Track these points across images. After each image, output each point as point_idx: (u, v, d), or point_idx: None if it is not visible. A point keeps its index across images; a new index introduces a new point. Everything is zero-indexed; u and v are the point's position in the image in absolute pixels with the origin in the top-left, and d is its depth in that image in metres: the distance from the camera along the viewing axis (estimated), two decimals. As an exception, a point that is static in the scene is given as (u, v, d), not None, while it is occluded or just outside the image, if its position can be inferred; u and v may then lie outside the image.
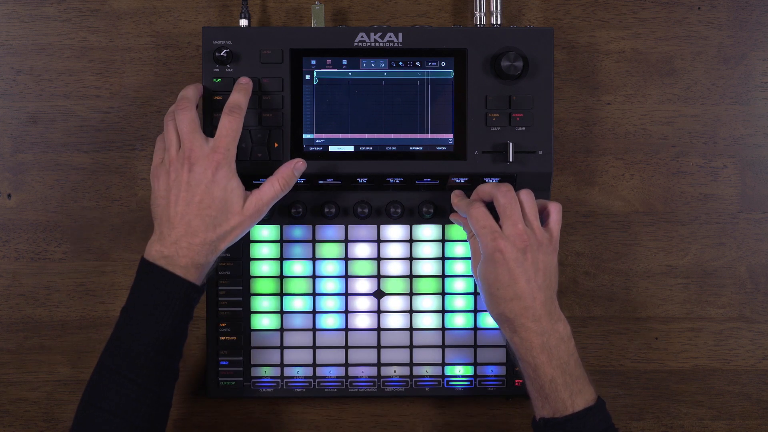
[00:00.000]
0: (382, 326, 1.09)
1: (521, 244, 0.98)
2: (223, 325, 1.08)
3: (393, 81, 1.06)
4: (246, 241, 1.08)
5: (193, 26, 1.12)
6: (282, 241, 1.08)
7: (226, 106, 1.00)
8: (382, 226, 1.09)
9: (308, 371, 1.09)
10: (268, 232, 1.08)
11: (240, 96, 1.01)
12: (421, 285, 1.09)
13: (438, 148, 1.06)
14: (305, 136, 1.06)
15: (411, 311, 1.09)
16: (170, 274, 0.94)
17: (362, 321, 1.09)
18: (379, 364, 1.09)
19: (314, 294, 1.09)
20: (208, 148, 0.97)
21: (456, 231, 1.09)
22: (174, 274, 0.94)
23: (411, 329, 1.09)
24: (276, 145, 1.05)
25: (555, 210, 1.02)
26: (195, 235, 0.95)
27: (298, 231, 1.09)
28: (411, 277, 1.09)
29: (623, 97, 1.13)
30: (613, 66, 1.13)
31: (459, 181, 1.07)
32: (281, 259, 1.09)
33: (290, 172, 1.01)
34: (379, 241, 1.09)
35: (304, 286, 1.09)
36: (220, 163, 0.96)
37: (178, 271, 0.94)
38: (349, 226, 1.09)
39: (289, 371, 1.09)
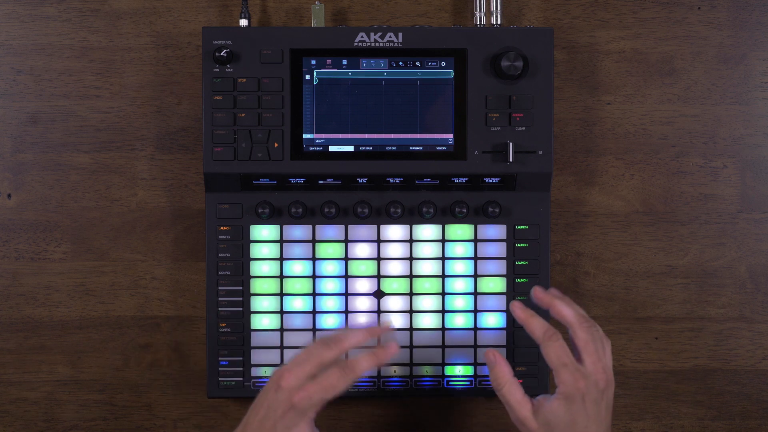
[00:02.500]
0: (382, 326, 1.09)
1: (603, 384, 0.94)
2: (223, 325, 1.08)
3: (393, 81, 1.06)
4: (246, 241, 1.08)
5: (193, 26, 1.12)
6: (282, 241, 1.08)
7: (348, 361, 0.94)
8: (382, 226, 1.09)
9: (308, 371, 1.08)
10: (268, 232, 1.08)
11: (366, 362, 0.95)
12: (421, 285, 1.09)
13: (438, 148, 1.06)
14: (305, 136, 1.06)
15: (411, 311, 1.09)
16: None
17: (362, 321, 1.09)
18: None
19: (314, 294, 1.09)
20: (299, 385, 0.93)
21: (456, 231, 1.09)
22: None
23: (411, 329, 1.09)
24: (276, 145, 1.05)
25: (608, 345, 0.98)
26: None
27: (298, 231, 1.09)
28: (411, 277, 1.09)
29: (623, 97, 1.13)
30: (613, 66, 1.13)
31: (459, 181, 1.07)
32: (281, 259, 1.09)
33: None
34: (379, 241, 1.09)
35: (304, 286, 1.09)
36: (295, 406, 0.92)
37: None
38: (349, 226, 1.09)
39: (289, 371, 1.09)
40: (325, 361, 0.94)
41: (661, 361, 1.14)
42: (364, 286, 1.09)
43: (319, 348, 0.94)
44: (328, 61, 1.05)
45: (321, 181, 1.07)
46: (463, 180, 1.07)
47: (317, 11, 1.08)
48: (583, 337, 0.95)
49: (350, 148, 1.06)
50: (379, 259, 1.09)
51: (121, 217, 1.12)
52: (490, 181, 1.07)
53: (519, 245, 1.08)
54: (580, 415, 0.93)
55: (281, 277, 1.09)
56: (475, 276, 1.09)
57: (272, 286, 1.09)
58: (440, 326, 1.09)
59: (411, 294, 1.09)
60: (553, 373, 0.95)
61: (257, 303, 1.08)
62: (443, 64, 1.06)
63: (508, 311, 1.08)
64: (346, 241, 1.09)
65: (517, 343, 1.09)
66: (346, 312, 1.09)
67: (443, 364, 1.09)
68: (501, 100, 1.06)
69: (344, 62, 1.05)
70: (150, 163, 1.12)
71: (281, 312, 1.09)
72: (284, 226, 1.08)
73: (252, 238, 1.08)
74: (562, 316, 0.97)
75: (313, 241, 1.09)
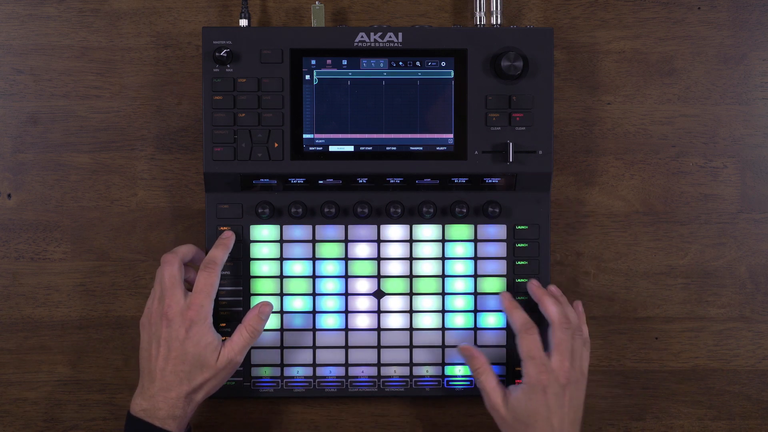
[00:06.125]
0: (382, 326, 1.09)
1: (564, 380, 1.00)
2: (223, 325, 1.08)
3: (393, 81, 1.06)
4: (246, 241, 1.08)
5: (193, 26, 1.12)
6: (282, 241, 1.08)
7: (204, 260, 1.02)
8: (382, 226, 1.09)
9: (308, 371, 1.09)
10: (268, 232, 1.08)
11: (218, 251, 1.03)
12: (421, 285, 1.09)
13: (438, 148, 1.06)
14: (305, 136, 1.06)
15: (411, 311, 1.09)
16: (149, 425, 0.97)
17: (362, 321, 1.09)
18: (379, 364, 1.09)
19: (314, 294, 1.09)
20: (185, 304, 0.99)
21: (456, 231, 1.09)
22: (153, 425, 0.97)
23: (411, 329, 1.09)
24: (276, 145, 1.05)
25: (587, 351, 1.04)
26: (170, 389, 0.98)
27: (298, 231, 1.09)
28: (411, 277, 1.09)
29: (623, 97, 1.13)
30: (613, 66, 1.13)
31: (459, 181, 1.07)
32: (281, 259, 1.09)
33: (256, 316, 1.02)
34: (379, 241, 1.09)
35: (304, 286, 1.09)
36: (194, 320, 0.99)
37: (157, 423, 0.97)
38: (349, 226, 1.09)
39: (289, 371, 1.09)
40: (176, 275, 1.00)
41: (661, 361, 1.14)
42: (364, 286, 1.09)
43: (163, 270, 1.01)
44: (328, 61, 1.05)
45: (321, 181, 1.07)
46: (463, 180, 1.07)
47: (317, 11, 1.08)
48: (559, 337, 1.02)
49: (350, 148, 1.06)
50: (379, 259, 1.09)
51: (121, 217, 1.12)
52: (490, 181, 1.07)
53: (519, 245, 1.08)
54: (542, 406, 0.99)
55: (281, 277, 1.09)
56: (475, 276, 1.09)
57: (272, 286, 1.09)
58: (440, 326, 1.09)
59: (411, 294, 1.09)
60: (521, 364, 1.01)
61: (257, 303, 1.08)
62: (443, 64, 1.06)
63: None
64: (346, 241, 1.09)
65: (517, 343, 1.09)
66: (346, 312, 1.09)
67: (443, 364, 1.09)
68: (501, 100, 1.06)
69: (344, 62, 1.05)
70: (150, 163, 1.12)
71: (281, 312, 1.09)
72: (284, 226, 1.08)
73: (252, 238, 1.08)
74: (547, 313, 1.04)
75: (313, 241, 1.09)
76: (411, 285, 1.09)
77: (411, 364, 1.09)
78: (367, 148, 1.06)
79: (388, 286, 1.09)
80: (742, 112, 1.13)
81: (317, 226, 1.09)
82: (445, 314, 1.09)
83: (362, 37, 1.05)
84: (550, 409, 0.99)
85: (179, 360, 0.99)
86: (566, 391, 1.00)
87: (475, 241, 1.09)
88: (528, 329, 1.02)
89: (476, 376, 1.04)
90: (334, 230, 1.09)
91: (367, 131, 1.06)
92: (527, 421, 0.99)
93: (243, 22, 1.07)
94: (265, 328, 1.08)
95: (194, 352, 0.99)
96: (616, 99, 1.13)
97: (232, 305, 1.08)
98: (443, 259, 1.09)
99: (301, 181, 1.06)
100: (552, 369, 1.00)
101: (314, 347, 1.09)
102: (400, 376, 1.09)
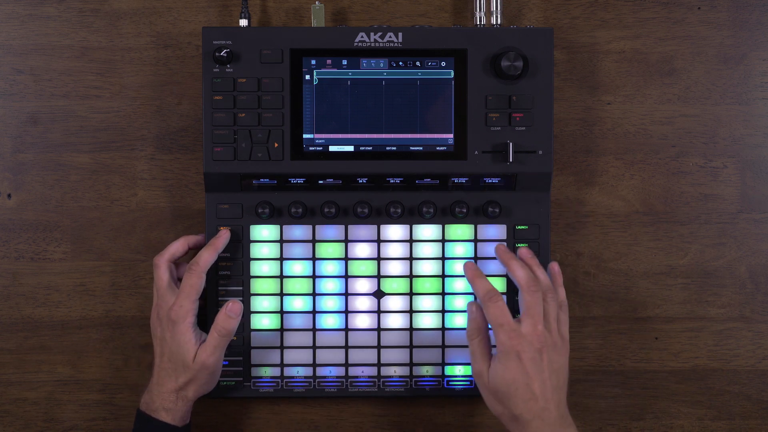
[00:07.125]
0: (382, 326, 1.09)
1: (538, 344, 0.98)
2: (223, 325, 1.08)
3: (393, 81, 1.06)
4: (246, 241, 1.08)
5: (193, 26, 1.12)
6: (282, 241, 1.08)
7: (189, 262, 1.04)
8: (382, 226, 1.09)
9: (308, 371, 1.09)
10: (268, 232, 1.08)
11: (205, 253, 1.04)
12: (421, 285, 1.09)
13: (438, 148, 1.06)
14: (305, 136, 1.06)
15: (411, 311, 1.09)
16: (146, 415, 1.03)
17: (362, 321, 1.09)
18: (379, 364, 1.09)
19: (314, 294, 1.09)
20: (170, 305, 1.03)
21: (456, 231, 1.09)
22: (147, 415, 1.03)
23: (411, 329, 1.09)
24: (276, 145, 1.05)
25: (564, 314, 1.03)
26: (161, 384, 1.03)
27: (298, 231, 1.09)
28: (411, 277, 1.09)
29: (623, 97, 1.13)
30: (613, 66, 1.13)
31: (459, 181, 1.07)
32: (281, 259, 1.09)
33: (224, 316, 1.03)
34: (379, 241, 1.09)
35: (304, 286, 1.09)
36: (174, 321, 1.02)
37: (153, 414, 1.03)
38: (349, 226, 1.09)
39: (289, 371, 1.09)
40: (162, 277, 1.05)
41: (661, 361, 1.14)
42: (364, 286, 1.09)
43: (153, 273, 1.05)
44: (328, 61, 1.05)
45: (321, 181, 1.07)
46: (463, 180, 1.07)
47: (317, 11, 1.08)
48: (528, 300, 1.00)
49: (350, 148, 1.06)
50: (379, 259, 1.09)
51: (121, 217, 1.12)
52: (490, 181, 1.07)
53: (519, 245, 1.08)
54: (519, 373, 0.97)
55: (281, 277, 1.09)
56: (475, 276, 1.09)
57: (272, 286, 1.09)
58: (440, 326, 1.09)
59: (411, 294, 1.09)
60: (494, 334, 0.99)
61: (257, 303, 1.08)
62: (443, 64, 1.06)
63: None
64: (346, 241, 1.09)
65: (517, 343, 1.09)
66: (346, 312, 1.09)
67: (443, 364, 1.09)
68: (501, 100, 1.06)
69: (344, 62, 1.05)
70: (150, 163, 1.12)
71: (281, 312, 1.09)
72: (284, 226, 1.08)
73: (252, 238, 1.08)
74: (514, 277, 1.02)
75: (313, 241, 1.09)
76: (411, 285, 1.09)
77: (411, 364, 1.09)
78: (367, 148, 1.06)
79: (388, 286, 1.09)
80: (742, 112, 1.13)
81: (317, 226, 1.09)
82: (445, 314, 1.09)
83: (362, 37, 1.05)
84: (528, 374, 0.97)
85: (167, 357, 1.03)
86: (543, 355, 0.98)
87: (475, 241, 1.09)
88: (491, 297, 0.99)
89: (471, 338, 1.01)
90: (334, 230, 1.09)
91: (367, 131, 1.06)
92: (508, 391, 0.97)
93: (243, 22, 1.07)
94: (266, 328, 1.08)
95: (176, 351, 1.02)
96: (616, 99, 1.13)
97: (232, 305, 1.08)
98: (443, 259, 1.09)
99: (301, 181, 1.06)
100: (523, 334, 0.98)
101: (314, 347, 1.09)
102: (400, 376, 1.09)
